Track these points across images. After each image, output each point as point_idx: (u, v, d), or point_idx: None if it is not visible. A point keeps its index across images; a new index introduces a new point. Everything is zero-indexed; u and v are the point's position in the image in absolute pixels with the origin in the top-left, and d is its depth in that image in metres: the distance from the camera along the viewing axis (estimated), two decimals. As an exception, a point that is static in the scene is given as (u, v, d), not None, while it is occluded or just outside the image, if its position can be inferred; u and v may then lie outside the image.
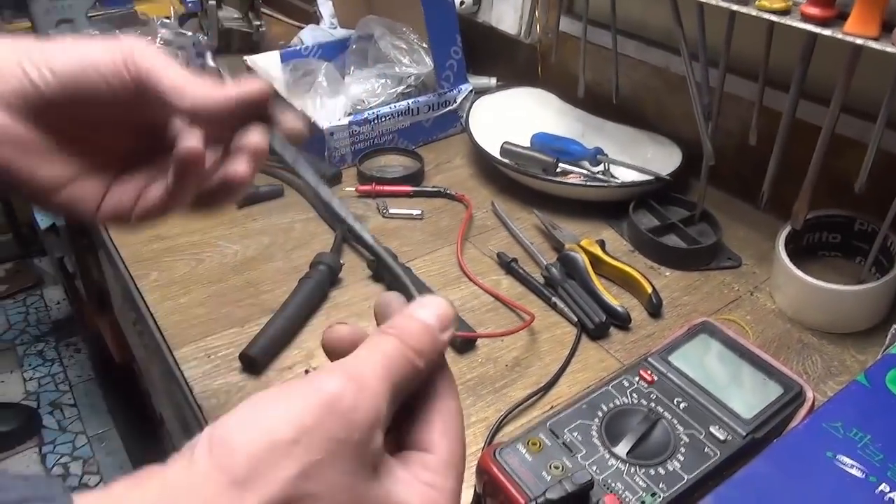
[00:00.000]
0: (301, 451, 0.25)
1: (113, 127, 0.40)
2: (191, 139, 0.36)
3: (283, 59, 1.07)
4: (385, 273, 0.31)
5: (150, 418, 1.46)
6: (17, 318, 2.24)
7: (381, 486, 0.27)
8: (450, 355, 0.67)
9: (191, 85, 0.36)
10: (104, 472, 1.76)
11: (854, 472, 0.42)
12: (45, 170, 0.38)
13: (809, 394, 0.55)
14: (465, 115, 1.00)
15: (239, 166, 0.37)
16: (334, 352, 0.32)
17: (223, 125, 0.38)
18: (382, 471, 0.28)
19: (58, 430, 1.90)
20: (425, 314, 0.31)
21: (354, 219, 0.38)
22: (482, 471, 0.50)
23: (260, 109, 0.38)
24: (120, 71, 0.36)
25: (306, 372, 0.58)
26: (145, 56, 0.36)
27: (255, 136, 0.37)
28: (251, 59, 1.11)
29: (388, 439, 0.30)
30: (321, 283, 0.72)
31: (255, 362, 0.64)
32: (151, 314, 0.71)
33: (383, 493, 0.27)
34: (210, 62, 0.36)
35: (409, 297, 0.34)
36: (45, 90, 0.36)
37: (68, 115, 0.37)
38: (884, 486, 0.41)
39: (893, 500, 0.40)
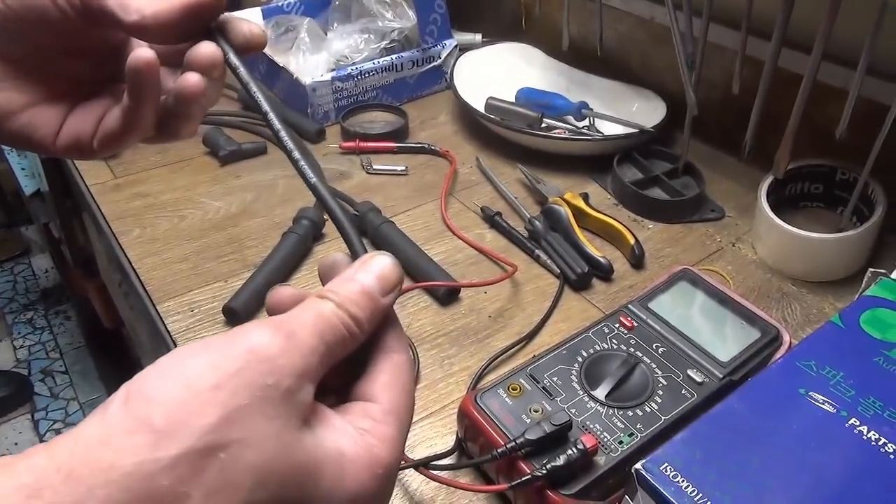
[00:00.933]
0: (223, 395, 0.23)
1: (67, 52, 0.39)
2: (142, 49, 0.34)
3: (266, 15, 1.05)
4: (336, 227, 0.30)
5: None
6: (5, 287, 2.24)
7: (313, 434, 0.26)
8: (433, 307, 0.67)
9: None
10: (97, 436, 1.77)
11: (826, 407, 0.43)
12: None
13: (786, 337, 0.55)
14: (449, 71, 0.99)
15: (190, 79, 0.34)
16: (275, 314, 0.31)
17: (177, 41, 0.36)
18: (315, 421, 0.27)
19: (50, 396, 1.91)
20: (366, 277, 0.30)
21: (295, 147, 0.34)
22: (463, 415, 0.51)
23: (211, 19, 0.35)
24: None
25: None
26: None
27: (205, 48, 0.35)
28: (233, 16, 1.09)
29: (331, 400, 0.29)
30: (304, 237, 0.72)
31: (238, 315, 0.64)
32: (134, 270, 0.71)
33: (315, 441, 0.26)
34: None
35: (355, 254, 0.32)
36: None
37: (17, 38, 0.36)
38: (854, 420, 0.42)
39: (863, 433, 0.41)
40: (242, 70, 0.36)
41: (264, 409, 0.24)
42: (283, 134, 0.35)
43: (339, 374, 0.30)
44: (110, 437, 0.23)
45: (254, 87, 0.35)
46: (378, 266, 0.30)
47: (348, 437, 0.27)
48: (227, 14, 0.36)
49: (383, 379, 0.30)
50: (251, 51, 0.36)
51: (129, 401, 0.24)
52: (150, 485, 0.22)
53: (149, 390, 0.24)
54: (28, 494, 0.21)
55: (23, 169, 1.69)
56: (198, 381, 0.24)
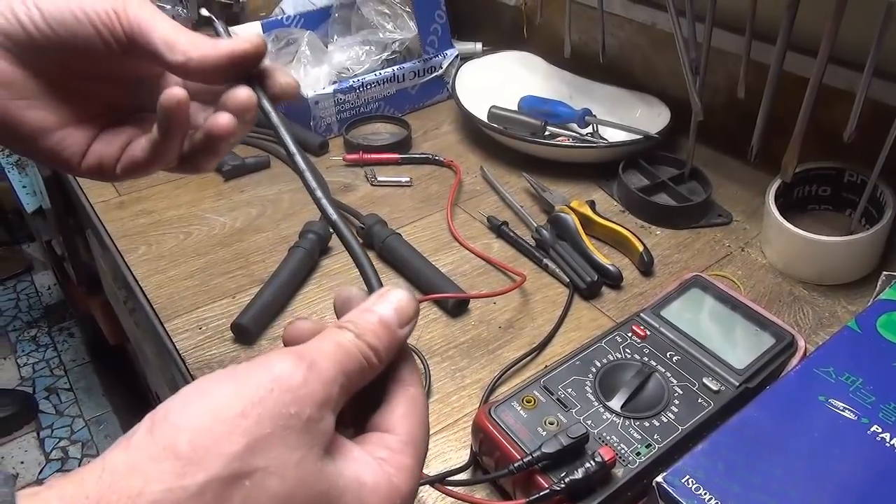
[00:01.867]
0: (249, 424, 0.24)
1: (103, 78, 0.40)
2: (175, 88, 0.35)
3: (265, 29, 1.05)
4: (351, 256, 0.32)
5: (146, 400, 1.47)
6: (8, 305, 2.23)
7: (333, 463, 0.26)
8: (443, 319, 0.67)
9: (182, 39, 0.36)
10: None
11: (846, 414, 0.42)
12: (32, 114, 0.38)
13: (801, 343, 0.55)
14: (451, 81, 0.99)
15: (221, 119, 0.36)
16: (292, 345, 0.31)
17: (215, 83, 0.37)
18: (335, 451, 0.27)
19: (55, 414, 1.90)
20: (384, 309, 0.31)
21: (323, 194, 0.36)
22: (478, 429, 0.50)
23: (251, 67, 0.37)
24: (111, 20, 0.36)
25: None
26: (138, 8, 0.36)
27: (242, 92, 0.36)
28: (232, 31, 1.09)
29: (349, 432, 0.30)
30: (311, 251, 0.72)
31: (247, 332, 0.63)
32: (141, 288, 0.71)
33: (335, 470, 0.26)
34: (204, 12, 0.35)
35: (371, 288, 0.33)
36: (35, 32, 0.36)
37: (58, 61, 0.37)
38: (876, 427, 0.41)
39: (885, 440, 0.41)
40: (274, 115, 0.37)
41: (287, 438, 0.24)
42: (312, 187, 0.37)
43: (356, 406, 0.30)
44: (137, 465, 0.23)
45: (284, 132, 0.37)
46: (396, 298, 0.31)
47: (367, 466, 0.27)
48: (266, 63, 0.38)
49: (400, 410, 0.30)
50: (284, 99, 0.38)
51: (154, 429, 0.24)
52: None
53: (174, 418, 0.24)
54: None
55: (24, 187, 1.69)
56: (223, 409, 0.24)
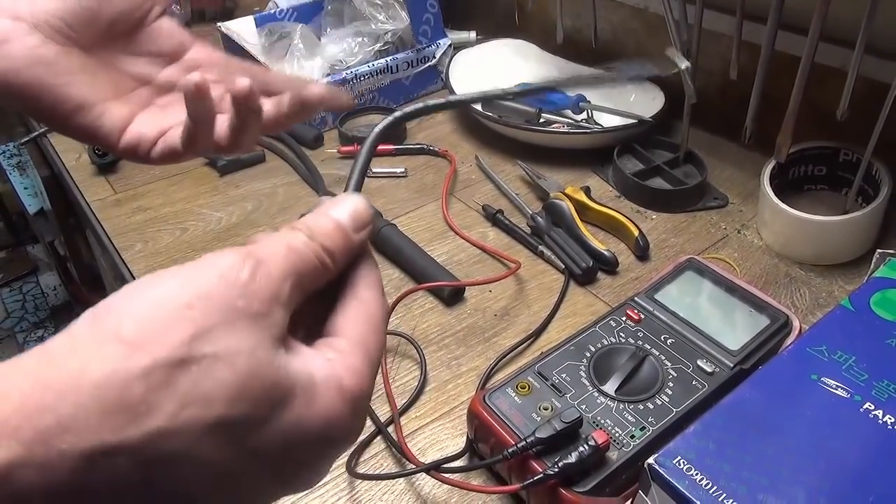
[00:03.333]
0: (195, 314, 0.23)
1: (143, 52, 0.43)
2: (194, 73, 0.36)
3: (258, 23, 1.05)
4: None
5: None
6: (14, 307, 2.24)
7: (281, 356, 0.26)
8: (438, 308, 0.67)
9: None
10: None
11: (839, 392, 0.42)
12: (74, 90, 0.39)
13: (796, 323, 0.55)
14: (444, 71, 0.99)
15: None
16: None
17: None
18: (286, 347, 0.27)
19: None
20: (338, 213, 0.30)
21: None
22: (473, 416, 0.50)
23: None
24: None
25: None
26: None
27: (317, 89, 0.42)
28: (225, 26, 1.09)
29: (301, 335, 0.29)
30: (306, 244, 0.72)
31: (244, 325, 0.63)
32: (138, 285, 0.71)
33: (286, 363, 0.26)
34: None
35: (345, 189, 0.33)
36: (78, 6, 0.38)
37: (100, 34, 0.40)
38: (868, 405, 0.41)
39: (878, 418, 0.41)
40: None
41: (236, 328, 0.24)
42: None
43: (312, 312, 0.30)
44: (80, 348, 0.22)
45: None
46: (351, 203, 0.31)
47: (317, 364, 0.27)
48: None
49: (351, 314, 0.30)
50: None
51: (96, 319, 0.23)
52: (123, 393, 0.22)
53: (117, 306, 0.24)
54: None
55: (25, 188, 1.70)
56: (168, 299, 0.24)
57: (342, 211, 0.30)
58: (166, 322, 0.23)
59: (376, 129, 0.36)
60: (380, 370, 0.58)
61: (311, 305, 0.29)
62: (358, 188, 0.33)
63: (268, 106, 0.41)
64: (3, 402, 0.21)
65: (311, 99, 0.43)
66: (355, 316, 0.30)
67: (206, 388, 0.23)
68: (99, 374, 0.22)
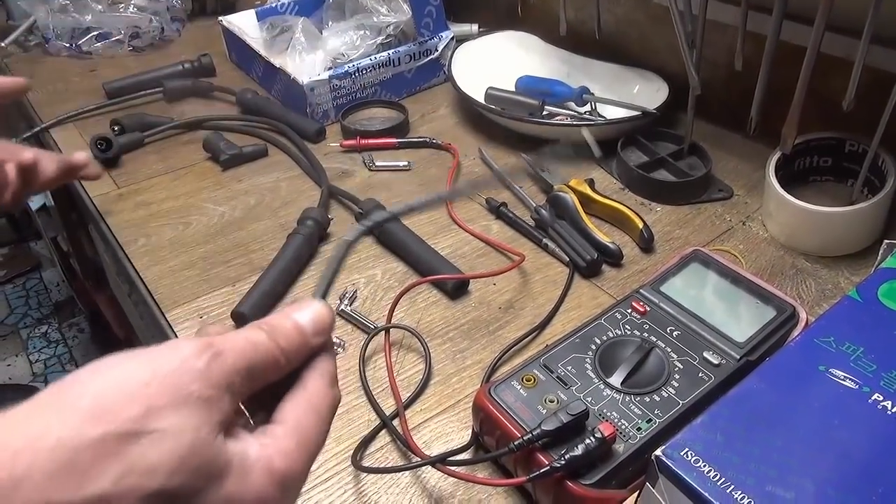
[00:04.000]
0: (150, 392, 0.26)
1: None
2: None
3: (259, 17, 1.05)
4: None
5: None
6: (17, 303, 2.25)
7: (223, 441, 0.28)
8: (443, 301, 0.67)
9: None
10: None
11: (847, 383, 0.42)
12: None
13: (802, 314, 0.54)
14: (447, 64, 0.98)
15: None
16: None
17: None
18: (228, 432, 0.29)
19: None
20: (301, 317, 0.33)
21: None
22: (478, 409, 0.50)
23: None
24: None
25: None
26: None
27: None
28: (226, 20, 1.09)
29: (259, 417, 0.33)
30: (310, 238, 0.72)
31: (248, 319, 0.63)
32: (142, 279, 0.71)
33: (225, 445, 0.28)
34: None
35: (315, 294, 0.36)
36: None
37: None
38: (877, 396, 0.41)
39: (887, 409, 0.40)
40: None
41: (185, 409, 0.27)
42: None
43: (268, 398, 0.33)
44: (41, 414, 0.25)
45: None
46: (314, 309, 0.34)
47: (252, 448, 0.30)
48: None
49: (293, 401, 0.33)
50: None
51: (61, 390, 0.26)
52: (74, 457, 0.24)
53: (82, 381, 0.26)
54: None
55: (28, 184, 1.70)
56: (129, 379, 0.26)
57: (304, 316, 0.33)
58: (123, 397, 0.26)
59: (346, 240, 0.39)
60: (384, 364, 0.59)
61: (265, 394, 0.32)
62: (323, 295, 0.36)
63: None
64: None
65: (76, 161, 0.71)
66: (297, 403, 0.33)
67: (150, 460, 0.25)
68: (54, 439, 0.24)
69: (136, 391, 0.26)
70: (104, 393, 0.26)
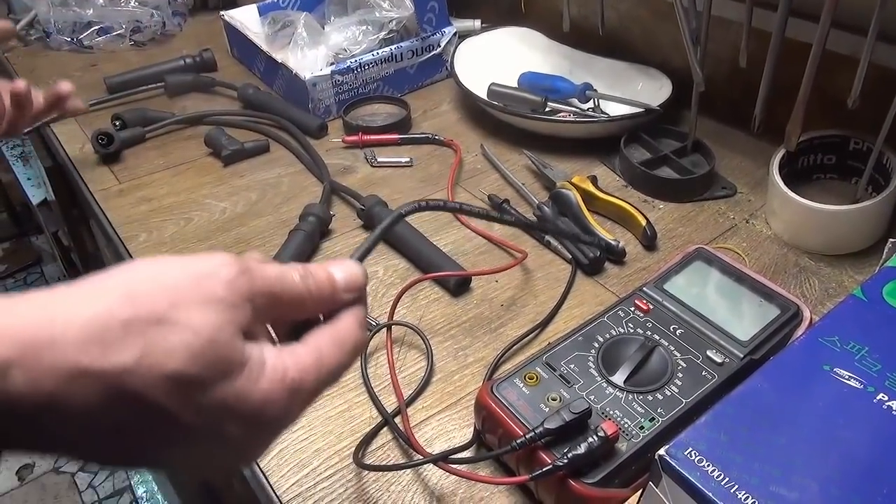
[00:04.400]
0: (181, 289, 0.29)
1: None
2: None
3: (261, 11, 1.04)
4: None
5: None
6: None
7: (240, 340, 0.31)
8: (445, 298, 0.67)
9: None
10: (117, 441, 1.78)
11: (852, 383, 0.42)
12: None
13: (806, 313, 0.54)
14: (449, 59, 0.98)
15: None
16: None
17: None
18: (250, 337, 0.32)
19: (68, 403, 1.91)
20: (336, 271, 0.36)
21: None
22: (480, 407, 0.50)
23: None
24: None
25: None
26: None
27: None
28: (228, 14, 1.08)
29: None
30: (311, 234, 0.72)
31: (249, 316, 0.63)
32: (143, 275, 0.70)
33: (245, 347, 0.31)
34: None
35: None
36: None
37: None
38: (882, 396, 0.41)
39: (892, 409, 0.40)
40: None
41: (208, 309, 0.30)
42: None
43: (292, 340, 0.35)
44: (82, 292, 0.28)
45: None
46: (350, 268, 0.37)
47: (270, 355, 0.32)
48: None
49: (320, 331, 0.36)
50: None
51: (104, 275, 0.29)
52: (104, 332, 0.27)
53: (125, 270, 0.30)
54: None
55: (28, 179, 1.70)
56: (166, 275, 0.30)
57: (339, 271, 0.37)
58: (156, 289, 0.29)
59: (400, 212, 0.42)
60: (386, 361, 0.58)
61: (293, 333, 0.35)
62: (361, 258, 0.39)
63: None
64: (11, 316, 0.26)
65: (61, 90, 0.78)
66: (322, 332, 0.36)
67: (170, 345, 0.28)
68: (91, 313, 0.27)
69: (168, 286, 0.29)
70: (140, 283, 0.29)
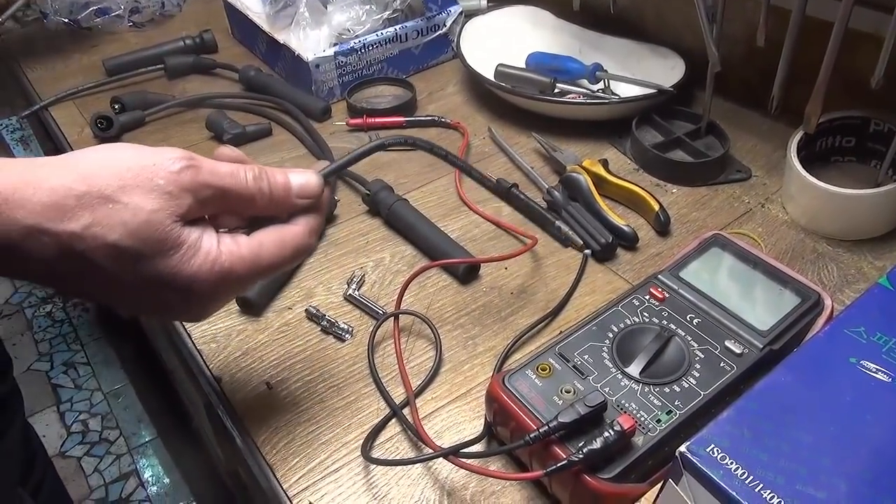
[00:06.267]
0: (128, 176, 0.35)
1: None
2: None
3: (262, -9, 1.01)
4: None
5: (162, 371, 1.47)
6: (21, 282, 2.24)
7: (182, 227, 0.37)
8: (453, 286, 0.65)
9: None
10: (123, 426, 1.78)
11: (879, 376, 0.40)
12: None
13: (828, 301, 0.52)
14: (455, 40, 0.95)
15: None
16: None
17: None
18: (193, 223, 0.38)
19: (74, 388, 1.91)
20: (295, 178, 0.41)
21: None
22: (491, 399, 0.49)
23: None
24: None
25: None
26: None
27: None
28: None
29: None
30: (316, 220, 0.70)
31: (253, 304, 0.62)
32: (144, 263, 0.69)
33: (182, 230, 0.37)
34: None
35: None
36: None
37: None
38: (911, 389, 0.39)
39: (921, 403, 0.38)
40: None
41: (150, 195, 0.36)
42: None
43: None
44: (50, 166, 0.35)
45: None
46: (307, 177, 0.42)
47: (209, 240, 0.38)
48: None
49: (265, 230, 0.41)
50: None
51: (70, 154, 0.37)
52: (62, 200, 0.34)
53: (85, 153, 0.36)
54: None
55: (29, 163, 1.68)
56: (119, 160, 0.36)
57: (297, 178, 0.41)
58: (109, 172, 0.35)
59: (370, 145, 0.47)
60: (393, 351, 0.57)
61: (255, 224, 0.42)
62: (328, 175, 0.43)
63: None
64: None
65: None
66: (269, 230, 0.41)
67: (113, 220, 0.35)
68: (54, 183, 0.34)
69: (120, 171, 0.35)
70: (97, 164, 0.35)
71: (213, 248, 0.38)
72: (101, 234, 0.34)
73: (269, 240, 0.40)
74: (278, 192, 0.40)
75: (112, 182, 0.35)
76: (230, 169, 0.38)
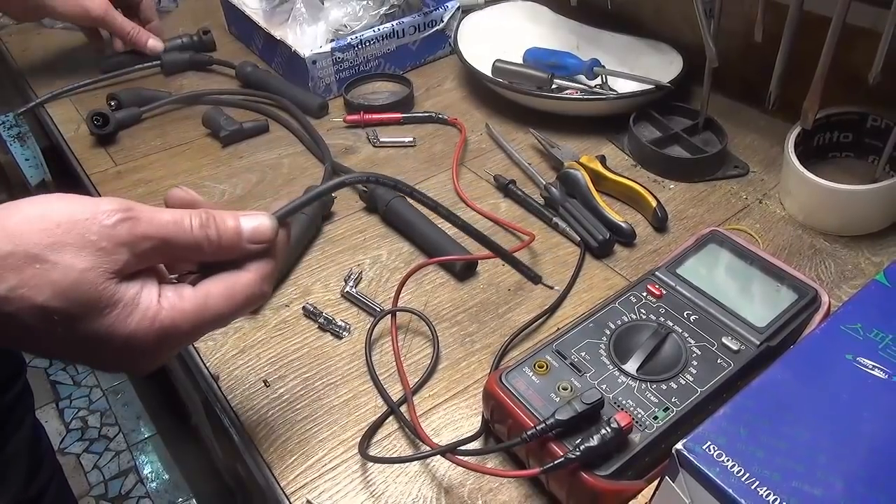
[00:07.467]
0: (60, 231, 0.33)
1: None
2: None
3: (259, -13, 1.01)
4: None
5: (161, 368, 1.47)
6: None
7: (118, 284, 0.35)
8: (450, 283, 0.65)
9: None
10: (122, 423, 1.78)
11: (876, 373, 0.40)
12: None
13: (825, 298, 0.52)
14: (452, 35, 0.95)
15: None
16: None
17: None
18: (131, 278, 0.35)
19: (73, 385, 1.91)
20: (246, 222, 0.39)
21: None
22: (489, 396, 0.49)
23: None
24: None
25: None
26: None
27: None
28: (226, -9, 1.05)
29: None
30: (313, 217, 0.70)
31: (250, 302, 0.62)
32: (141, 260, 0.69)
33: (113, 286, 0.34)
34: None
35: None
36: None
37: None
38: (907, 386, 0.39)
39: (918, 400, 0.38)
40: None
41: (81, 252, 0.33)
42: None
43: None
44: None
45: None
46: (259, 221, 0.39)
47: (149, 296, 0.36)
48: None
49: (213, 279, 0.38)
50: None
51: (9, 206, 0.34)
52: None
53: (16, 207, 0.34)
54: None
55: (26, 159, 1.67)
56: (50, 215, 0.34)
57: (248, 222, 0.39)
58: (39, 228, 0.33)
59: (318, 189, 0.44)
60: (391, 348, 0.57)
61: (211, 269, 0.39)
62: (282, 216, 0.41)
63: None
64: None
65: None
66: (217, 280, 0.38)
67: (41, 281, 0.33)
68: None
69: (50, 227, 0.33)
70: (25, 221, 0.33)
71: (153, 303, 0.36)
72: (28, 295, 0.33)
73: (217, 290, 0.38)
74: (228, 238, 0.38)
75: (41, 240, 0.33)
76: (173, 217, 0.36)
